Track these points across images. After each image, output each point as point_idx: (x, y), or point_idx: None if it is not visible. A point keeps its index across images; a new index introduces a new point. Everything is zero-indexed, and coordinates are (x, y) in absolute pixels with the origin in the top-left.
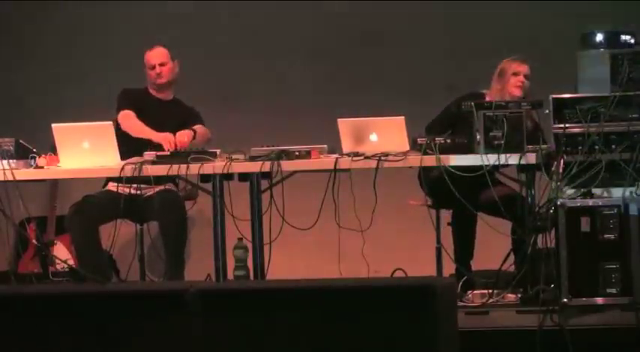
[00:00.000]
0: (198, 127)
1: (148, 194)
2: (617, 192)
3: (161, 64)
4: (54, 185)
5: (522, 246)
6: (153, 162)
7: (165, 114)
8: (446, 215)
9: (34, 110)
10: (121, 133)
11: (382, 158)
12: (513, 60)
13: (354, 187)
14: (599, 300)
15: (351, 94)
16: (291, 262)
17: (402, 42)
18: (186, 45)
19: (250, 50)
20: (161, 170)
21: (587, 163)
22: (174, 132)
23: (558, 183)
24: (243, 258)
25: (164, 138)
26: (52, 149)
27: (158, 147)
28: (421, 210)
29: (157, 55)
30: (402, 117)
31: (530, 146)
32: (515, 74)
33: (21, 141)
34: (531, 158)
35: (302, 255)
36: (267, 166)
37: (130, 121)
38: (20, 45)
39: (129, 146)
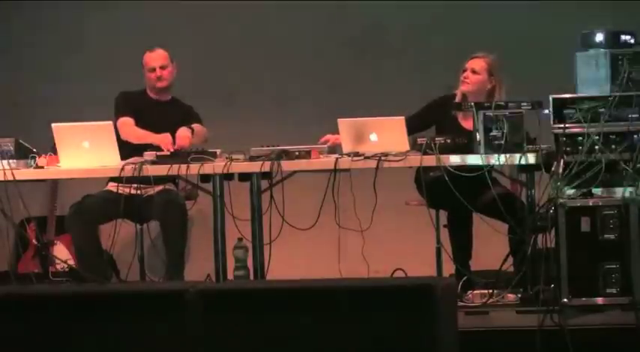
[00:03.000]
0: (195, 126)
1: (148, 194)
2: (617, 192)
3: (162, 67)
4: (54, 185)
5: (521, 247)
6: (153, 162)
7: (164, 115)
8: (444, 215)
9: (34, 110)
10: (119, 137)
11: (382, 158)
12: (469, 56)
13: (354, 187)
14: (599, 300)
15: (351, 94)
16: (291, 262)
17: (402, 42)
18: (186, 45)
19: (250, 50)
20: (161, 170)
21: (587, 163)
22: (174, 132)
23: (558, 183)
24: (243, 258)
25: (161, 140)
26: (52, 149)
27: (158, 147)
28: (421, 210)
29: (157, 57)
30: (402, 118)
31: (530, 146)
32: (464, 70)
33: (21, 141)
34: (531, 158)
35: (302, 255)
36: (267, 166)
37: (128, 129)
38: (20, 45)
39: (128, 149)
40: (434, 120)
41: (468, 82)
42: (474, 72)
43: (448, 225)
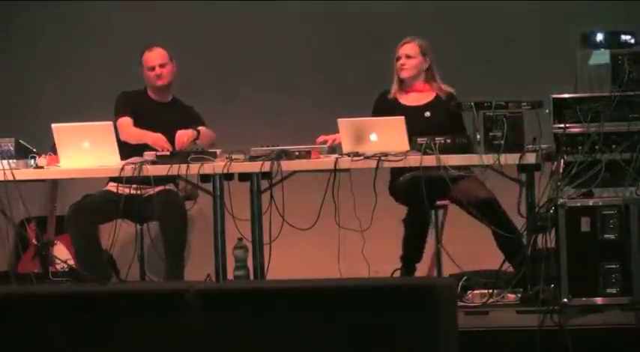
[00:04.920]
0: (202, 129)
1: (148, 194)
2: (617, 192)
3: (161, 66)
4: (54, 185)
5: (512, 248)
6: (153, 162)
7: (166, 116)
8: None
9: (34, 110)
10: (119, 138)
11: (382, 158)
12: (399, 44)
13: (354, 187)
14: (599, 300)
15: (351, 94)
16: (291, 262)
17: None
18: (186, 45)
19: (250, 50)
20: (161, 170)
21: (587, 163)
22: (175, 133)
23: (558, 183)
24: (243, 258)
25: (155, 141)
26: (52, 149)
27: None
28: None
29: (156, 56)
30: (402, 117)
31: (530, 146)
32: (398, 58)
33: (21, 141)
34: (531, 158)
35: (302, 255)
36: (267, 166)
37: (126, 129)
38: (20, 45)
39: (128, 149)
40: (385, 113)
41: (406, 68)
42: (408, 57)
43: (406, 222)
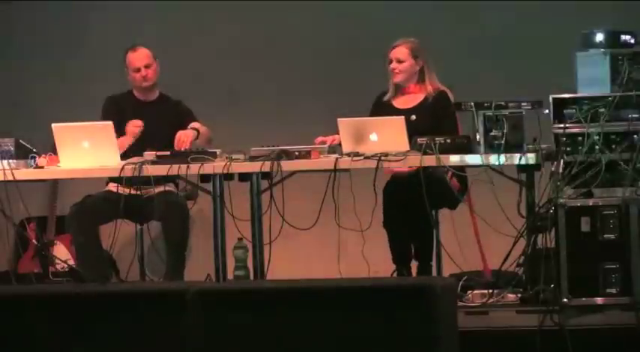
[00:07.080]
0: (199, 127)
1: (149, 194)
2: (617, 192)
3: (146, 66)
4: (54, 185)
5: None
6: (153, 162)
7: (154, 114)
8: (444, 215)
9: (34, 110)
10: None
11: (382, 158)
12: (390, 47)
13: (354, 187)
14: (599, 300)
15: (350, 94)
16: (291, 262)
17: None
18: (186, 45)
19: (250, 50)
20: (161, 170)
21: (587, 163)
22: (172, 131)
23: (558, 183)
24: (243, 258)
25: (128, 134)
26: (52, 149)
27: (157, 147)
28: None
29: (141, 56)
30: (402, 117)
31: (530, 146)
32: (390, 62)
33: (21, 141)
34: (531, 158)
35: (302, 255)
36: (267, 166)
37: None
38: (20, 45)
39: (128, 149)
40: (380, 116)
41: (397, 72)
42: (399, 61)
43: (385, 225)
